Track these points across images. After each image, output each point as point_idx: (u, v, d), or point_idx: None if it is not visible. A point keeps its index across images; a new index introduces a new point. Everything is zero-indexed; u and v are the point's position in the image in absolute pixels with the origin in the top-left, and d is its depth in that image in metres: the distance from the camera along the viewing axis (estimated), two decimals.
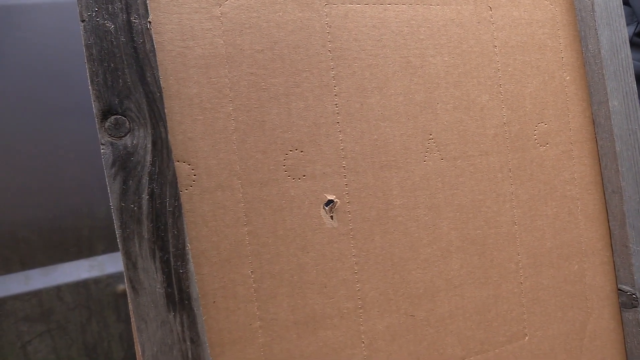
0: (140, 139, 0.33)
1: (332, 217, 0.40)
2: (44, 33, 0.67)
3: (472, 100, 0.44)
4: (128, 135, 0.33)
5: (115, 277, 0.69)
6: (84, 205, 0.68)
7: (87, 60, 0.33)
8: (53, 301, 0.65)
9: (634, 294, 0.49)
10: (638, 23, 0.74)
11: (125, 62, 0.33)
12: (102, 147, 0.33)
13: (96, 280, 0.67)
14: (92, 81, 0.33)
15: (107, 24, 0.33)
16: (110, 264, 0.69)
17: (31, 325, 0.63)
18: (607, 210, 0.50)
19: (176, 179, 0.34)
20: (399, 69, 0.42)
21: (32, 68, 0.67)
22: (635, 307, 0.49)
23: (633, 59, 0.52)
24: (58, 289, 0.65)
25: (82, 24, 0.33)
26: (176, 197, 0.34)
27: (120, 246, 0.33)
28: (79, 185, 0.68)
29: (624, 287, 0.50)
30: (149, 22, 0.34)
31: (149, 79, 0.34)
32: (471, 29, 0.45)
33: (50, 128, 0.68)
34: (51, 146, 0.68)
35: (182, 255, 0.34)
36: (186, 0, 0.37)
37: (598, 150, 0.50)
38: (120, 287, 0.69)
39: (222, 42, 0.37)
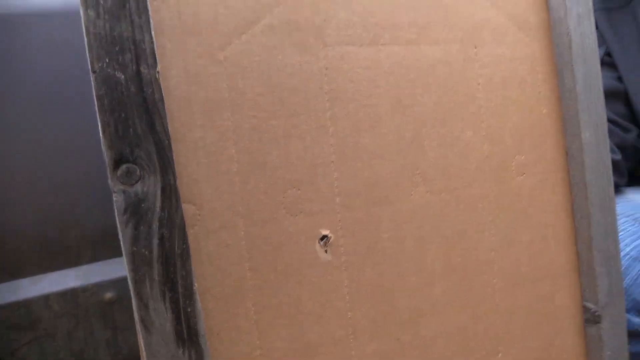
0: (150, 186, 0.35)
1: (326, 251, 0.42)
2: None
3: (457, 136, 0.48)
4: (139, 182, 0.35)
5: (102, 286, 0.70)
6: (72, 216, 0.69)
7: (98, 111, 0.34)
8: (41, 310, 0.66)
9: (597, 312, 0.54)
10: (606, 46, 0.79)
11: (135, 111, 0.35)
12: (114, 194, 0.35)
13: (83, 289, 0.69)
14: (104, 131, 0.34)
15: (118, 75, 0.35)
16: (97, 272, 0.71)
17: (20, 333, 0.65)
18: (576, 235, 0.54)
19: (184, 222, 0.36)
20: (390, 109, 0.45)
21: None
22: (598, 322, 0.54)
23: (603, 77, 0.57)
24: (46, 297, 0.66)
25: (94, 75, 0.34)
26: (184, 240, 0.36)
27: (132, 288, 0.35)
28: (67, 196, 0.69)
29: (588, 304, 0.55)
30: (158, 72, 0.36)
31: (158, 127, 0.36)
32: (457, 68, 0.48)
33: (39, 140, 0.68)
34: (39, 157, 0.68)
35: (190, 295, 0.36)
36: (191, 45, 0.38)
37: (570, 179, 0.54)
38: (107, 295, 0.71)
39: (225, 86, 0.39)
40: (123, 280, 0.72)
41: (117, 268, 0.72)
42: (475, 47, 0.49)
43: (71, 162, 0.71)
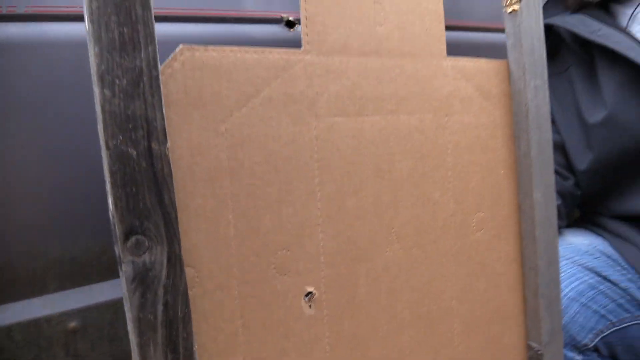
0: (157, 256, 0.38)
1: (310, 306, 0.46)
2: None
3: (428, 197, 0.53)
4: (147, 252, 0.37)
5: (67, 315, 0.70)
6: (39, 246, 0.69)
7: (111, 186, 0.36)
8: (3, 340, 0.66)
9: (539, 350, 0.61)
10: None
11: (145, 186, 0.37)
12: (123, 264, 0.37)
13: (47, 319, 0.69)
14: (115, 205, 0.36)
15: (130, 151, 0.37)
16: (62, 302, 0.71)
17: None
18: (524, 282, 0.61)
19: (187, 289, 0.39)
20: (371, 174, 0.49)
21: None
22: None
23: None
24: (9, 328, 0.66)
25: (107, 152, 0.36)
26: (187, 304, 0.39)
27: (136, 352, 0.37)
28: (34, 227, 0.69)
29: (532, 344, 0.61)
30: (167, 147, 0.38)
31: (166, 200, 0.38)
32: (430, 135, 0.53)
33: (6, 170, 0.67)
34: (6, 187, 0.67)
35: (190, 355, 0.39)
36: (195, 118, 0.41)
37: (521, 233, 0.60)
38: (71, 324, 0.71)
39: (225, 156, 0.42)
40: (87, 309, 0.73)
41: (82, 297, 0.72)
42: (446, 116, 0.54)
43: (37, 192, 0.71)
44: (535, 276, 0.59)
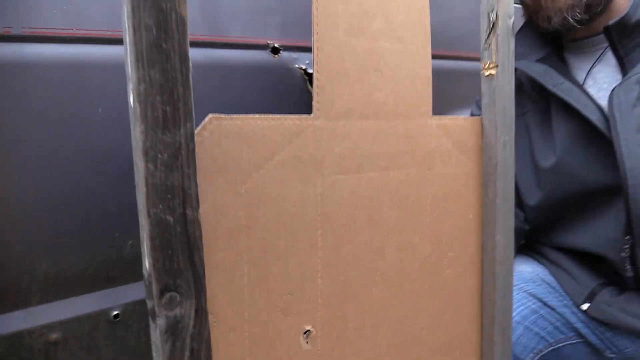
0: (186, 309, 0.43)
1: (307, 342, 0.52)
2: None
3: (409, 241, 0.60)
4: (178, 306, 0.42)
5: (49, 327, 0.73)
6: (25, 261, 0.71)
7: (150, 250, 0.41)
8: None
9: None
10: None
11: (180, 248, 0.42)
12: (157, 318, 0.41)
13: (30, 331, 0.72)
14: (153, 266, 0.41)
15: (168, 218, 0.41)
16: (44, 314, 0.73)
17: None
18: (482, 312, 0.69)
19: (209, 336, 0.44)
20: (365, 224, 0.55)
21: None
22: None
23: None
24: None
25: (149, 219, 0.41)
26: (209, 349, 0.44)
27: None
28: (18, 239, 0.71)
29: None
30: (199, 213, 0.43)
31: (196, 260, 0.43)
32: (414, 187, 0.59)
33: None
34: None
35: None
36: (220, 183, 0.46)
37: (482, 270, 0.68)
38: (53, 335, 0.74)
39: (243, 214, 0.47)
40: (69, 321, 0.76)
41: (64, 309, 0.75)
42: (429, 169, 0.61)
43: (22, 206, 0.72)
44: (492, 307, 0.68)
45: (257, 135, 0.48)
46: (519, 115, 0.87)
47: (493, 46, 0.64)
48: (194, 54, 0.76)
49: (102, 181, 0.76)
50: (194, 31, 0.84)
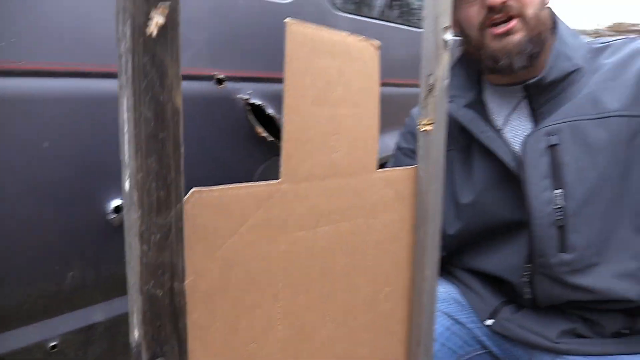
0: None
1: None
2: None
3: (354, 284, 0.67)
4: None
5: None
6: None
7: (141, 322, 0.44)
8: None
9: None
10: None
11: (167, 319, 0.46)
12: None
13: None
14: (143, 337, 0.45)
15: (158, 292, 0.45)
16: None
17: None
18: (410, 336, 0.79)
19: None
20: (318, 274, 0.62)
21: None
22: None
23: None
24: None
25: (141, 296, 0.44)
26: None
27: None
28: None
29: None
30: (186, 284, 0.47)
31: (180, 326, 0.47)
32: (361, 235, 0.67)
33: None
34: None
35: None
36: (199, 250, 0.50)
37: (412, 300, 0.77)
38: None
39: (217, 276, 0.52)
40: (4, 356, 0.76)
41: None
42: (373, 218, 0.68)
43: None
44: (419, 331, 0.78)
45: (233, 203, 0.52)
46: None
47: (430, 105, 0.72)
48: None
49: (44, 214, 0.76)
50: None
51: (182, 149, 0.45)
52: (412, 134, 1.12)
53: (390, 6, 1.66)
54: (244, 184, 0.53)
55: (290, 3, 1.15)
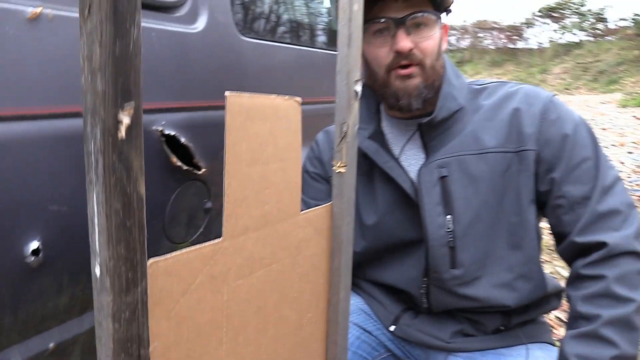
0: None
1: None
2: None
3: (283, 315, 0.75)
4: None
5: None
6: None
7: None
8: None
9: None
10: None
11: None
12: None
13: None
14: None
15: None
16: None
17: None
18: (327, 354, 0.88)
19: None
20: (254, 314, 0.69)
21: None
22: None
23: None
24: None
25: None
26: None
27: None
28: None
29: None
30: (150, 350, 0.51)
31: None
32: (288, 272, 0.74)
33: None
34: None
35: None
36: (157, 313, 0.54)
37: (328, 319, 0.87)
38: None
39: (172, 334, 0.57)
40: None
41: None
42: (298, 255, 0.76)
43: None
44: (335, 347, 0.88)
45: (183, 266, 0.57)
46: (361, 175, 1.07)
47: (344, 150, 0.81)
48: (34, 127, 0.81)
49: None
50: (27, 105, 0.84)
51: (145, 230, 0.49)
52: (318, 159, 1.22)
53: (295, 31, 1.73)
54: (192, 247, 0.58)
55: (199, 32, 1.17)
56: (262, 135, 0.66)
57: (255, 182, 0.66)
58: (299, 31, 1.77)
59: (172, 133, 1.03)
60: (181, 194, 1.09)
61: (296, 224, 0.75)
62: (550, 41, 24.28)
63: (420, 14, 1.02)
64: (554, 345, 1.14)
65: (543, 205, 1.06)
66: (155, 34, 1.01)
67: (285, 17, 1.70)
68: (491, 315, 1.10)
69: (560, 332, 2.34)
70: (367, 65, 1.10)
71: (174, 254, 0.56)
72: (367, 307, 1.20)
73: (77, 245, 0.95)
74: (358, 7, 0.78)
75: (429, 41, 1.04)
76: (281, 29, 1.66)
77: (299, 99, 0.73)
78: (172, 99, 1.04)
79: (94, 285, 0.48)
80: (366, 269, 1.19)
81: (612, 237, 0.94)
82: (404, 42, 1.01)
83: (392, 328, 1.14)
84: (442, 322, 1.12)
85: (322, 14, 2.09)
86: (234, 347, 0.66)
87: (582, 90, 19.08)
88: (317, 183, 1.18)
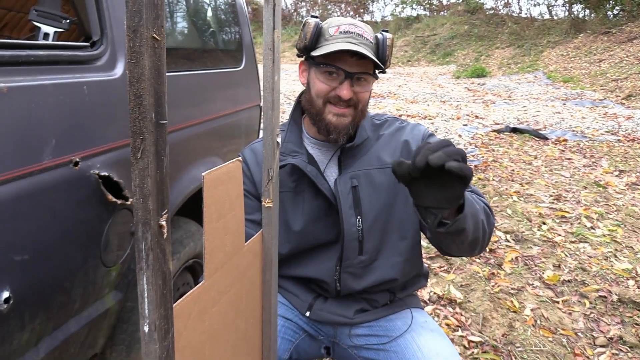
0: None
1: None
2: None
3: (239, 328, 0.99)
4: None
5: None
6: None
7: None
8: None
9: None
10: None
11: None
12: None
13: None
14: None
15: None
16: None
17: None
18: (262, 346, 1.14)
19: None
20: (222, 332, 0.92)
21: None
22: None
23: None
24: None
25: None
26: None
27: None
28: None
29: None
30: None
31: None
32: (244, 295, 0.98)
33: None
34: None
35: None
36: None
37: (263, 320, 1.12)
38: None
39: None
40: None
41: None
42: (244, 278, 1.00)
43: None
44: (268, 340, 1.14)
45: (183, 308, 0.78)
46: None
47: (270, 189, 1.05)
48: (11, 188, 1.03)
49: None
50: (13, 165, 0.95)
51: (172, 294, 0.70)
52: (250, 180, 1.48)
53: (192, 58, 1.88)
54: (188, 292, 0.80)
55: (118, 78, 1.31)
56: (223, 196, 0.88)
57: (220, 233, 0.88)
58: (194, 58, 1.93)
59: (107, 174, 1.17)
60: (113, 223, 1.24)
61: (243, 255, 0.99)
62: (392, 15, 25.94)
63: (366, 75, 1.35)
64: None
65: None
66: (87, 86, 1.12)
67: (187, 47, 1.89)
68: (382, 293, 1.49)
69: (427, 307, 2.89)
70: (309, 90, 1.40)
71: (179, 301, 0.77)
72: (284, 299, 1.49)
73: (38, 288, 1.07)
74: (278, 77, 1.01)
75: (366, 94, 1.39)
76: (182, 60, 1.80)
77: (239, 159, 0.95)
78: (103, 143, 1.17)
79: (142, 338, 0.68)
80: (285, 267, 1.46)
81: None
82: (348, 92, 1.33)
83: (307, 313, 1.47)
84: (347, 304, 1.47)
85: (210, 40, 2.27)
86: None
87: (422, 62, 20.86)
88: (249, 200, 1.42)
